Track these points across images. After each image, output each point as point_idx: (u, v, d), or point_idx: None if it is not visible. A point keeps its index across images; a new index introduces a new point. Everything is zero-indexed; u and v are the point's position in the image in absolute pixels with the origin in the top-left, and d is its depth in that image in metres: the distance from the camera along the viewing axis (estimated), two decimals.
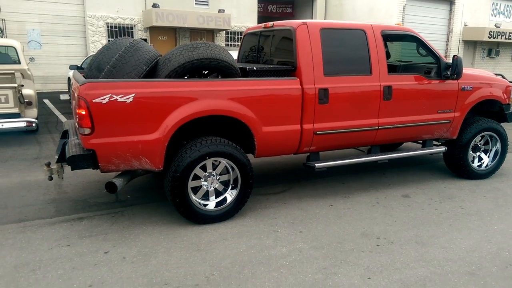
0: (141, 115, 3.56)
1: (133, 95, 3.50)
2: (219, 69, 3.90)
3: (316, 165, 4.42)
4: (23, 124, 6.70)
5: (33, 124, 6.79)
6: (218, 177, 3.97)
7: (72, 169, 3.50)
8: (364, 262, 3.27)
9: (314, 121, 4.27)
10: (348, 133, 4.51)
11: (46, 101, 11.28)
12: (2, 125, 6.53)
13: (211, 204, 3.97)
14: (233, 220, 4.02)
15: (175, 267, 3.14)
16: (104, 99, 3.42)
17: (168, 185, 3.73)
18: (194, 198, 3.87)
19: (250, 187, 4.04)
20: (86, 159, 3.49)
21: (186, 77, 3.99)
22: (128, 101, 3.49)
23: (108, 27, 15.31)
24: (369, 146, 4.93)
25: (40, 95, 11.50)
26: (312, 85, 4.17)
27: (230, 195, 4.03)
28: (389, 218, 4.16)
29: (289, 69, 4.23)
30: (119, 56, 3.66)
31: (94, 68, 4.22)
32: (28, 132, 7.38)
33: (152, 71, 3.86)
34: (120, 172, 3.85)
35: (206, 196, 3.98)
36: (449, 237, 3.78)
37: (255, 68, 4.14)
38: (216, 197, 4.01)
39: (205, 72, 4.35)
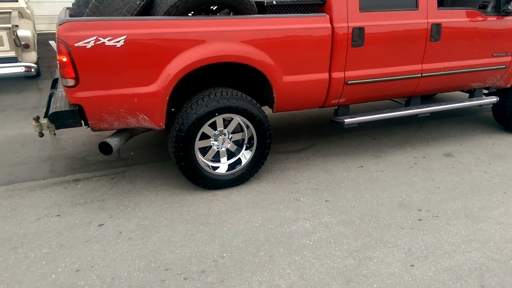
0: (136, 62, 2.92)
1: (125, 37, 2.84)
2: (230, 4, 3.15)
3: (345, 120, 3.76)
4: (21, 70, 6.13)
5: (32, 69, 6.21)
6: (230, 136, 3.38)
7: (57, 128, 2.96)
8: (405, 243, 2.72)
9: (345, 68, 3.55)
10: (385, 83, 3.78)
11: (52, 42, 10.62)
12: None
13: (223, 167, 3.41)
14: (248, 185, 3.48)
15: (179, 246, 2.66)
16: (88, 42, 2.77)
17: (172, 146, 3.17)
18: (202, 160, 3.32)
19: (267, 148, 3.45)
20: (72, 116, 2.92)
21: (190, 14, 3.27)
22: (119, 45, 2.84)
23: None
24: (407, 97, 4.21)
25: (46, 37, 10.85)
26: (344, 24, 3.40)
27: (244, 157, 3.46)
28: (430, 184, 3.55)
29: (317, 3, 3.44)
30: None
31: (82, 4, 3.53)
32: (28, 78, 6.85)
33: (148, 7, 3.15)
34: (116, 130, 3.29)
35: (216, 158, 3.42)
36: (505, 209, 3.17)
37: (274, 2, 3.37)
38: (228, 159, 3.45)
39: (214, 8, 3.61)
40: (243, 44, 3.13)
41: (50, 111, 2.93)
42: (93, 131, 3.08)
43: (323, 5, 3.43)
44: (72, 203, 3.20)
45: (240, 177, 3.43)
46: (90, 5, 2.98)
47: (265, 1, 3.35)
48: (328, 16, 3.38)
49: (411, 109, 4.10)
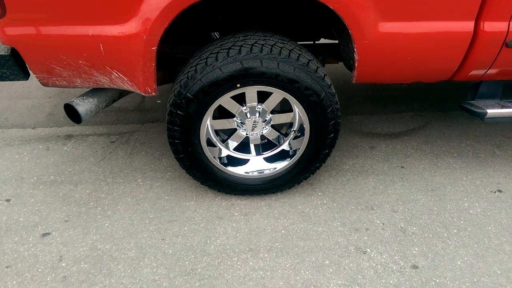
0: None
1: None
2: None
3: (489, 111, 2.04)
4: None
5: None
6: (268, 117, 1.99)
7: None
8: None
9: None
10: None
11: None
12: None
13: (253, 163, 2.10)
14: (288, 195, 2.16)
15: None
16: None
17: (167, 128, 1.94)
18: (221, 148, 2.05)
19: (328, 147, 2.01)
20: (6, 63, 1.82)
21: None
22: None
23: None
24: None
25: None
26: None
27: (287, 150, 2.10)
28: None
29: None
30: None
31: None
32: None
33: None
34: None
35: (245, 147, 2.12)
36: None
37: None
38: (263, 151, 2.11)
39: None
40: None
41: None
42: (45, 86, 1.98)
43: None
44: (37, 181, 2.27)
45: (277, 184, 2.11)
46: None
47: None
48: None
49: None
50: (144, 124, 2.81)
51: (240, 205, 2.11)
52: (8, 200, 2.14)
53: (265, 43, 1.76)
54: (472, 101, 2.12)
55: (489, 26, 1.76)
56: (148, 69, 1.78)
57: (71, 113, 2.03)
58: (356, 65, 1.87)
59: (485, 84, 2.11)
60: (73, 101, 2.01)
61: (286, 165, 2.05)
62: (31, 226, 1.98)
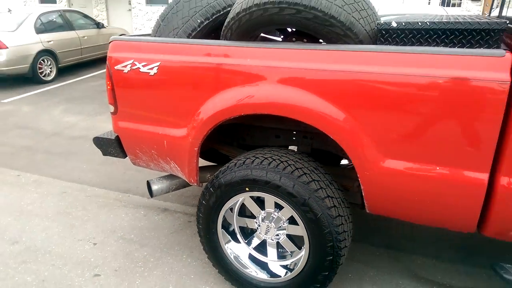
0: (167, 96, 2.28)
1: (158, 64, 2.25)
2: (310, 25, 1.96)
3: None
4: None
5: None
6: (283, 225, 2.18)
7: (103, 154, 2.73)
8: None
9: None
10: None
11: None
12: None
13: (273, 267, 2.27)
14: None
15: None
16: (125, 66, 2.36)
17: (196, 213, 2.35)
18: (237, 243, 2.32)
19: (328, 269, 2.02)
20: (112, 145, 2.62)
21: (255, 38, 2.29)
22: (152, 72, 2.28)
23: None
24: None
25: None
26: None
27: (298, 260, 2.19)
28: None
29: (488, 30, 1.67)
30: (169, 3, 2.43)
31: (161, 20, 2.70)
32: None
33: (220, 28, 2.39)
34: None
35: (263, 248, 2.32)
36: None
37: (394, 25, 1.85)
38: (280, 258, 2.26)
39: (292, 31, 2.40)
40: (315, 98, 1.89)
41: (97, 135, 2.73)
42: (134, 165, 2.69)
43: (498, 34, 1.62)
44: (121, 236, 2.93)
45: None
46: (155, 23, 2.53)
47: (379, 23, 1.90)
48: (510, 55, 1.57)
49: None
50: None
51: None
52: (94, 244, 2.83)
53: (278, 159, 2.05)
54: (504, 265, 1.81)
55: (504, 179, 1.63)
56: (192, 165, 2.28)
57: (148, 187, 2.66)
58: (364, 198, 1.94)
59: None
60: (152, 180, 2.66)
61: (283, 277, 2.14)
62: (93, 266, 2.57)
